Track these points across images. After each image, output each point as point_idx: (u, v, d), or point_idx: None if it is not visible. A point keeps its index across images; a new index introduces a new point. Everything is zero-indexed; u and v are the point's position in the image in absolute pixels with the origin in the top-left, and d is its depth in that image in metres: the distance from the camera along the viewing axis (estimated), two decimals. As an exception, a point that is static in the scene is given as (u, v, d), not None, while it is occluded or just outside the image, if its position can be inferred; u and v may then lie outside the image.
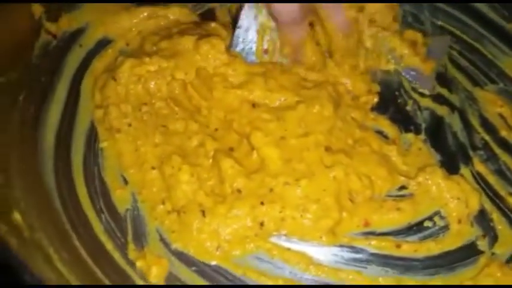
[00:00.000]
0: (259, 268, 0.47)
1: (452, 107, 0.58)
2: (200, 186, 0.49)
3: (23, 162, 0.49)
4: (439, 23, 0.64)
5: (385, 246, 0.49)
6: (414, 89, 0.59)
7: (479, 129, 0.57)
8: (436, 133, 0.56)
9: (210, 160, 0.51)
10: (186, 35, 0.56)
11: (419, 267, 0.49)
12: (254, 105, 0.53)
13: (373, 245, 0.49)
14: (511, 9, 0.65)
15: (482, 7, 0.65)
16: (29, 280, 0.40)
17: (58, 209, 0.48)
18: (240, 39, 0.56)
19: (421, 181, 0.52)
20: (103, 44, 0.59)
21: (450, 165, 0.54)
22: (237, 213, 0.48)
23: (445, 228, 0.50)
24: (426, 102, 0.58)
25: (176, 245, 0.48)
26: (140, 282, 0.46)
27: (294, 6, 0.52)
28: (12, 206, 0.45)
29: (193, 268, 0.47)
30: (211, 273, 0.47)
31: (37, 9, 0.56)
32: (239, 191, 0.49)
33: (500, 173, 0.54)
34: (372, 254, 0.49)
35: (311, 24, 0.55)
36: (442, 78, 0.60)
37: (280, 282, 0.47)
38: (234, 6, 0.62)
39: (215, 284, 0.46)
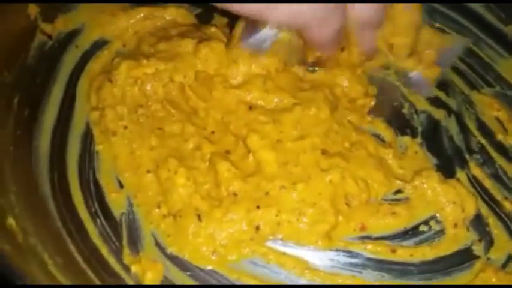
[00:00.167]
0: (254, 273, 0.47)
1: (449, 111, 0.58)
2: (196, 190, 0.49)
3: (17, 165, 0.49)
4: (437, 24, 0.64)
5: (381, 251, 0.49)
6: (411, 92, 0.58)
7: (476, 133, 0.57)
8: (433, 137, 0.56)
9: (207, 163, 0.51)
10: (186, 38, 0.56)
11: (415, 272, 0.49)
12: (251, 107, 0.53)
13: (369, 250, 0.49)
14: (508, 12, 0.64)
15: (480, 9, 0.65)
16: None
17: (53, 214, 0.48)
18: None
19: (417, 185, 0.52)
20: (99, 45, 0.59)
21: (446, 169, 0.54)
22: (233, 217, 0.48)
23: (441, 232, 0.50)
24: (423, 106, 0.58)
25: (172, 249, 0.48)
26: None
27: (332, 34, 0.50)
28: (6, 211, 0.45)
29: (189, 273, 0.47)
30: (206, 278, 0.47)
31: (32, 9, 0.55)
32: (235, 194, 0.49)
33: (496, 177, 0.54)
34: (368, 259, 0.49)
35: (342, 49, 0.55)
36: (439, 82, 0.59)
37: None
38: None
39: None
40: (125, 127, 0.53)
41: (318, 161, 0.51)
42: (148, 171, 0.51)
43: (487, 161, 0.55)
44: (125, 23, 0.60)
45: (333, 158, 0.51)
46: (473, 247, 0.50)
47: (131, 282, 0.46)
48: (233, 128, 0.53)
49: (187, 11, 0.62)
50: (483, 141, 0.56)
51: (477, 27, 0.64)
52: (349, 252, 0.49)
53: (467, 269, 0.49)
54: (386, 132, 0.55)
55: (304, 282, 0.47)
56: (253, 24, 0.52)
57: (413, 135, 0.56)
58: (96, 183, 0.51)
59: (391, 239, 0.50)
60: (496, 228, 0.51)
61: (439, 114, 0.58)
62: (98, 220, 0.49)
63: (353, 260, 0.49)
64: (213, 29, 0.58)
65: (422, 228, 0.50)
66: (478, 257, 0.50)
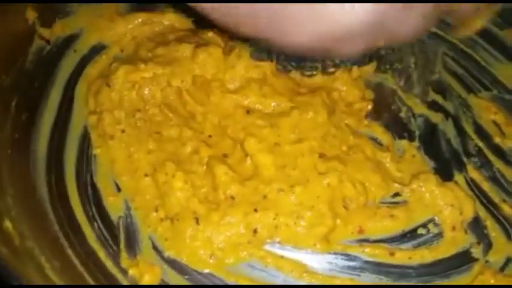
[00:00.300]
0: (252, 276, 0.47)
1: (446, 114, 0.58)
2: (194, 194, 0.49)
3: (14, 169, 0.49)
4: (433, 29, 0.64)
5: (379, 254, 0.49)
6: (408, 96, 0.58)
7: (473, 136, 0.57)
8: (430, 140, 0.56)
9: (204, 167, 0.51)
10: (183, 43, 0.56)
11: (413, 274, 0.48)
12: (248, 111, 0.53)
13: (367, 253, 0.49)
14: (504, 16, 0.65)
15: (476, 14, 0.65)
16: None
17: (50, 217, 0.48)
18: None
19: (414, 188, 0.52)
20: (97, 49, 0.59)
21: (444, 172, 0.54)
22: (231, 220, 0.48)
23: (439, 235, 0.50)
24: (420, 109, 0.58)
25: (169, 253, 0.48)
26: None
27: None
28: (3, 214, 0.45)
29: (186, 276, 0.47)
30: (203, 281, 0.47)
31: (31, 14, 0.55)
32: (233, 197, 0.49)
33: (494, 179, 0.54)
34: (366, 262, 0.49)
35: None
36: (436, 85, 0.60)
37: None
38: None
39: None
40: (123, 131, 0.53)
41: (315, 164, 0.51)
42: (146, 175, 0.51)
43: (484, 164, 0.55)
44: (123, 28, 0.60)
45: (331, 161, 0.51)
46: (472, 250, 0.50)
47: (128, 286, 0.46)
48: (230, 132, 0.53)
49: (185, 16, 0.62)
50: (480, 144, 0.56)
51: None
52: (347, 255, 0.49)
53: (465, 271, 0.49)
54: (384, 136, 0.55)
55: (302, 286, 0.47)
56: None
57: (411, 138, 0.56)
58: (94, 186, 0.51)
59: (389, 242, 0.50)
60: (494, 230, 0.51)
61: (436, 117, 0.58)
62: (95, 223, 0.49)
63: (351, 263, 0.48)
64: (210, 34, 0.58)
65: (421, 231, 0.50)
66: (476, 260, 0.49)
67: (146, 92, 0.54)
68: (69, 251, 0.47)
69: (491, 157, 0.56)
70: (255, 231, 0.48)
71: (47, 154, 0.52)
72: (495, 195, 0.53)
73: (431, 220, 0.51)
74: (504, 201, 0.53)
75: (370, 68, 0.59)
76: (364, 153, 0.53)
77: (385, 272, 0.48)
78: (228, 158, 0.52)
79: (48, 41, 0.58)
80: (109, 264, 0.47)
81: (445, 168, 0.54)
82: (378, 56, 0.59)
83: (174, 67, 0.55)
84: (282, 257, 0.48)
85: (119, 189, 0.50)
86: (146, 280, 0.46)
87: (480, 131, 0.57)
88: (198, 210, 0.48)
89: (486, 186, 0.54)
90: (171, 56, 0.55)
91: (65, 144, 0.53)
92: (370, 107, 0.57)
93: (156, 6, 0.62)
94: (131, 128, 0.53)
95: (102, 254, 0.47)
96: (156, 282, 0.46)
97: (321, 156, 0.51)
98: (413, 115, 0.57)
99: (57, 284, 0.43)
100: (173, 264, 0.47)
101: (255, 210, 0.48)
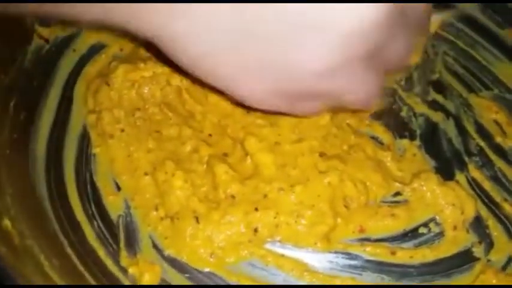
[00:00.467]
0: (252, 275, 0.47)
1: (447, 113, 0.58)
2: (194, 192, 0.49)
3: (13, 168, 0.49)
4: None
5: (380, 253, 0.48)
6: (409, 95, 0.58)
7: (475, 136, 0.57)
8: (431, 139, 0.56)
9: (204, 166, 0.50)
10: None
11: (415, 274, 0.48)
12: (249, 111, 0.53)
13: (368, 252, 0.48)
14: (505, 15, 0.65)
15: (476, 13, 0.65)
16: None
17: (49, 216, 0.48)
18: None
19: (416, 187, 0.51)
20: (96, 49, 0.58)
21: (445, 171, 0.53)
22: (231, 219, 0.48)
23: (440, 234, 0.50)
24: (421, 109, 0.58)
25: (169, 252, 0.47)
26: (132, 290, 0.46)
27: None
28: (2, 213, 0.44)
29: (186, 275, 0.46)
30: (204, 280, 0.46)
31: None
32: (233, 196, 0.49)
33: (495, 179, 0.54)
34: (367, 261, 0.48)
35: None
36: (437, 85, 0.59)
37: (275, 290, 0.47)
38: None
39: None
40: (122, 130, 0.52)
41: (316, 164, 0.51)
42: (146, 174, 0.50)
43: (486, 164, 0.55)
44: (122, 27, 0.60)
45: (331, 160, 0.51)
46: (473, 249, 0.50)
47: (128, 284, 0.46)
48: (230, 132, 0.53)
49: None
50: (482, 143, 0.56)
51: (474, 31, 0.64)
52: (348, 254, 0.48)
53: (467, 271, 0.49)
54: (385, 135, 0.55)
55: (303, 285, 0.47)
56: None
57: (412, 137, 0.56)
58: (93, 185, 0.50)
59: (390, 241, 0.49)
60: (495, 230, 0.51)
61: (437, 117, 0.57)
62: (95, 222, 0.48)
63: (352, 262, 0.48)
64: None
65: (422, 230, 0.50)
66: (478, 259, 0.49)
67: (146, 91, 0.54)
68: (69, 250, 0.46)
69: (493, 156, 0.55)
70: (255, 230, 0.48)
71: (46, 153, 0.51)
72: (496, 194, 0.53)
73: (433, 219, 0.51)
74: (505, 200, 0.53)
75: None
76: (365, 153, 0.52)
77: (387, 271, 0.48)
78: (228, 157, 0.51)
79: (47, 40, 0.57)
80: (109, 263, 0.46)
81: (446, 167, 0.54)
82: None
83: (174, 66, 0.54)
84: (282, 255, 0.48)
85: (118, 188, 0.50)
86: (146, 279, 0.45)
87: (481, 130, 0.57)
88: (198, 209, 0.48)
89: (487, 185, 0.53)
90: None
91: (64, 144, 0.52)
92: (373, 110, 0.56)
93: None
94: (131, 127, 0.53)
95: (101, 253, 0.47)
96: (156, 281, 0.46)
97: (322, 155, 0.51)
98: (414, 114, 0.57)
99: (57, 282, 0.43)
100: (173, 263, 0.47)
101: (256, 209, 0.48)
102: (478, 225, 0.51)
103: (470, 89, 0.60)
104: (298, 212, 0.48)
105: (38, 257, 0.44)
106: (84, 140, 0.53)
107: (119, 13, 0.37)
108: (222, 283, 0.46)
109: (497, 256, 0.49)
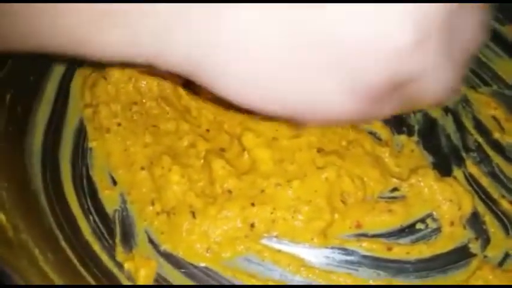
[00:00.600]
0: (249, 270, 0.47)
1: (445, 109, 0.57)
2: (190, 187, 0.49)
3: (9, 162, 0.49)
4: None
5: (377, 249, 0.48)
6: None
7: (473, 131, 0.56)
8: (429, 135, 0.56)
9: (201, 161, 0.50)
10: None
11: (411, 269, 0.48)
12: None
13: (365, 247, 0.48)
14: (504, 12, 0.64)
15: (476, 9, 0.65)
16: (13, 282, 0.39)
17: (44, 210, 0.48)
18: None
19: (413, 183, 0.51)
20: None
21: (443, 167, 0.53)
22: (227, 214, 0.48)
23: (437, 230, 0.50)
24: (419, 104, 0.57)
25: (165, 247, 0.47)
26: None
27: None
28: (-3, 206, 0.44)
29: (182, 270, 0.46)
30: (200, 275, 0.46)
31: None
32: (230, 191, 0.48)
33: (493, 175, 0.54)
34: (364, 256, 0.48)
35: None
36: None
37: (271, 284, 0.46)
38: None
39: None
40: (119, 124, 0.52)
41: (313, 159, 0.50)
42: (142, 168, 0.50)
43: (483, 159, 0.55)
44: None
45: (329, 155, 0.50)
46: (470, 245, 0.50)
47: (124, 279, 0.45)
48: (227, 127, 0.52)
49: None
50: (480, 139, 0.56)
51: (473, 27, 0.64)
52: (344, 249, 0.48)
53: (463, 266, 0.48)
54: (383, 131, 0.55)
55: (299, 280, 0.47)
56: None
57: (410, 133, 0.55)
58: (90, 180, 0.50)
59: (387, 236, 0.49)
60: (492, 226, 0.51)
61: (435, 112, 0.57)
62: (90, 217, 0.48)
63: (349, 258, 0.48)
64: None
65: (419, 226, 0.50)
66: (474, 255, 0.49)
67: (143, 85, 0.54)
68: (64, 244, 0.46)
69: (491, 152, 0.55)
70: (252, 225, 0.48)
71: (42, 147, 0.51)
72: (494, 190, 0.53)
73: (430, 215, 0.50)
74: (503, 196, 0.52)
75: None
76: (363, 148, 0.52)
77: (383, 266, 0.48)
78: (226, 152, 0.51)
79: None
80: (104, 257, 0.46)
81: (444, 163, 0.54)
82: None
83: None
84: (279, 251, 0.48)
85: (114, 183, 0.50)
86: (142, 274, 0.45)
87: (479, 126, 0.57)
88: (195, 204, 0.48)
89: (485, 181, 0.53)
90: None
91: (61, 137, 0.52)
92: None
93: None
94: (127, 121, 0.53)
95: (97, 248, 0.47)
96: (151, 276, 0.46)
97: (319, 150, 0.51)
98: (413, 110, 0.57)
99: (51, 277, 0.42)
100: (169, 258, 0.47)
101: (252, 204, 0.48)
102: (475, 221, 0.51)
103: (469, 85, 0.60)
104: (295, 207, 0.48)
105: (33, 251, 0.44)
106: (81, 133, 0.53)
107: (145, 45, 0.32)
108: (218, 278, 0.46)
109: (494, 252, 0.49)
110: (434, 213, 0.50)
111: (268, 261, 0.47)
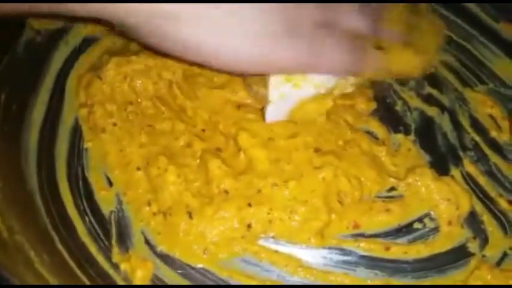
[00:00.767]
0: (246, 271, 0.46)
1: (442, 108, 0.57)
2: (187, 188, 0.48)
3: (4, 161, 0.48)
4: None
5: (374, 249, 0.48)
6: (404, 90, 0.58)
7: (470, 130, 0.56)
8: (426, 134, 0.55)
9: (197, 160, 0.50)
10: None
11: (409, 269, 0.48)
12: (239, 106, 0.53)
13: (362, 247, 0.48)
14: (500, 9, 0.64)
15: (472, 7, 0.65)
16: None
17: (40, 211, 0.47)
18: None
19: (410, 182, 0.51)
20: (89, 41, 0.58)
21: (440, 166, 0.53)
22: (224, 214, 0.47)
23: (435, 230, 0.50)
24: (416, 103, 0.57)
25: (162, 248, 0.47)
26: (125, 286, 0.45)
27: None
28: (-9, 208, 0.44)
29: (179, 271, 0.46)
30: (197, 276, 0.46)
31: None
32: (226, 192, 0.48)
33: (490, 174, 0.54)
34: (361, 257, 0.48)
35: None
36: (432, 79, 0.59)
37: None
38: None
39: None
40: (114, 124, 0.52)
41: (310, 159, 0.50)
42: (138, 169, 0.50)
43: (481, 158, 0.55)
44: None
45: (326, 155, 0.50)
46: (468, 244, 0.49)
47: (120, 281, 0.45)
48: (222, 128, 0.52)
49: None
50: (477, 138, 0.56)
51: (469, 25, 0.64)
52: (342, 249, 0.48)
53: (462, 266, 0.48)
54: (379, 130, 0.55)
55: (297, 280, 0.47)
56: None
57: (407, 132, 0.55)
58: (85, 180, 0.50)
59: (384, 236, 0.49)
60: (490, 225, 0.50)
61: (432, 111, 0.57)
62: (86, 218, 0.48)
63: (346, 258, 0.48)
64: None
65: (416, 225, 0.50)
66: (472, 255, 0.49)
67: (138, 85, 0.53)
68: (60, 246, 0.46)
69: (488, 151, 0.55)
70: (248, 226, 0.48)
71: (37, 147, 0.51)
72: (491, 189, 0.53)
73: (427, 215, 0.50)
74: (500, 195, 0.52)
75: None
76: (360, 148, 0.52)
77: (380, 266, 0.48)
78: (222, 152, 0.51)
79: (39, 32, 0.57)
80: (100, 259, 0.46)
81: (441, 162, 0.54)
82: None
83: (166, 59, 0.54)
84: (276, 251, 0.47)
85: (110, 183, 0.50)
86: (138, 275, 0.45)
87: (476, 124, 0.57)
88: (191, 204, 0.48)
89: (482, 180, 0.53)
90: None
91: (56, 137, 0.52)
92: (375, 106, 0.56)
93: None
94: (123, 121, 0.52)
95: (93, 249, 0.46)
96: (148, 278, 0.45)
97: (317, 151, 0.51)
98: (409, 108, 0.57)
99: (47, 279, 0.42)
100: (166, 259, 0.47)
101: (249, 204, 0.48)
102: (472, 220, 0.51)
103: (466, 83, 0.59)
104: (291, 207, 0.48)
105: (28, 253, 0.43)
106: (76, 133, 0.52)
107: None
108: (215, 279, 0.46)
109: (492, 252, 0.49)
110: (432, 212, 0.50)
111: (266, 261, 0.47)
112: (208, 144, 0.51)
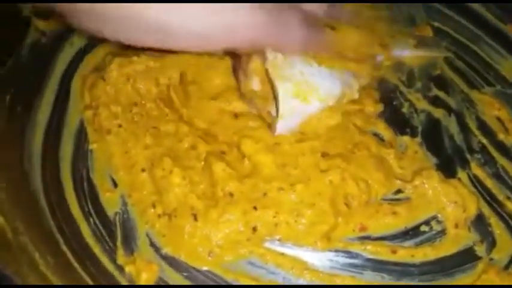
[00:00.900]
0: (251, 273, 0.46)
1: (449, 110, 0.57)
2: (192, 190, 0.48)
3: (9, 163, 0.48)
4: (435, 24, 0.63)
5: (381, 252, 0.48)
6: (410, 91, 0.58)
7: (477, 132, 0.56)
8: (433, 136, 0.55)
9: (202, 163, 0.49)
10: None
11: (416, 272, 0.47)
12: (236, 115, 0.52)
13: (369, 250, 0.48)
14: (507, 10, 0.64)
15: (478, 8, 0.64)
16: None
17: (44, 212, 0.47)
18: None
19: (417, 185, 0.51)
20: (93, 42, 0.58)
21: (447, 168, 0.53)
22: (229, 217, 0.47)
23: (442, 233, 0.49)
24: (422, 105, 0.57)
25: (167, 250, 0.47)
26: (129, 288, 0.45)
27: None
28: (-4, 209, 0.44)
29: (184, 274, 0.46)
30: (202, 279, 0.46)
31: (25, 6, 0.54)
32: (231, 194, 0.48)
33: (498, 176, 0.53)
34: (368, 259, 0.48)
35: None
36: (438, 81, 0.59)
37: (274, 288, 0.46)
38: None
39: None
40: (120, 126, 0.52)
41: (317, 163, 0.50)
42: (143, 170, 0.50)
43: (488, 161, 0.54)
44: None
45: (333, 159, 0.50)
46: (475, 248, 0.49)
47: (125, 283, 0.45)
48: (222, 138, 0.51)
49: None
50: (484, 140, 0.55)
51: (476, 26, 0.63)
52: (348, 252, 0.48)
53: (469, 270, 0.48)
54: (386, 132, 0.54)
55: (303, 283, 0.46)
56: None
57: (413, 134, 0.55)
58: (90, 182, 0.49)
59: (391, 239, 0.49)
60: (498, 228, 0.50)
61: (438, 113, 0.57)
62: (91, 219, 0.48)
63: (352, 261, 0.47)
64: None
65: (423, 228, 0.49)
66: (480, 258, 0.49)
67: (142, 86, 0.53)
68: (64, 247, 0.46)
69: (495, 154, 0.55)
70: (254, 228, 0.47)
71: (42, 148, 0.51)
72: (499, 192, 0.52)
73: (434, 217, 0.50)
74: (508, 198, 0.52)
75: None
76: (368, 151, 0.51)
77: (387, 269, 0.47)
78: (226, 154, 0.50)
79: (44, 34, 0.57)
80: (105, 261, 0.46)
81: (448, 164, 0.53)
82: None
83: (165, 59, 0.53)
84: (282, 254, 0.47)
85: (115, 185, 0.49)
86: (143, 278, 0.45)
87: (483, 127, 0.56)
88: (196, 206, 0.47)
89: (490, 183, 0.53)
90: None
91: (61, 139, 0.52)
92: (382, 108, 0.55)
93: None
94: (128, 123, 0.52)
95: (98, 251, 0.46)
96: (153, 280, 0.45)
97: (324, 155, 0.50)
98: (416, 110, 0.56)
99: (52, 280, 0.42)
100: (171, 261, 0.46)
101: (255, 208, 0.47)
102: (480, 223, 0.50)
103: (473, 85, 0.59)
104: (298, 211, 0.48)
105: (32, 254, 0.43)
106: (81, 135, 0.52)
107: None
108: (221, 282, 0.46)
109: (500, 255, 0.49)
110: (439, 215, 0.50)
111: (271, 264, 0.47)
112: (213, 147, 0.51)
